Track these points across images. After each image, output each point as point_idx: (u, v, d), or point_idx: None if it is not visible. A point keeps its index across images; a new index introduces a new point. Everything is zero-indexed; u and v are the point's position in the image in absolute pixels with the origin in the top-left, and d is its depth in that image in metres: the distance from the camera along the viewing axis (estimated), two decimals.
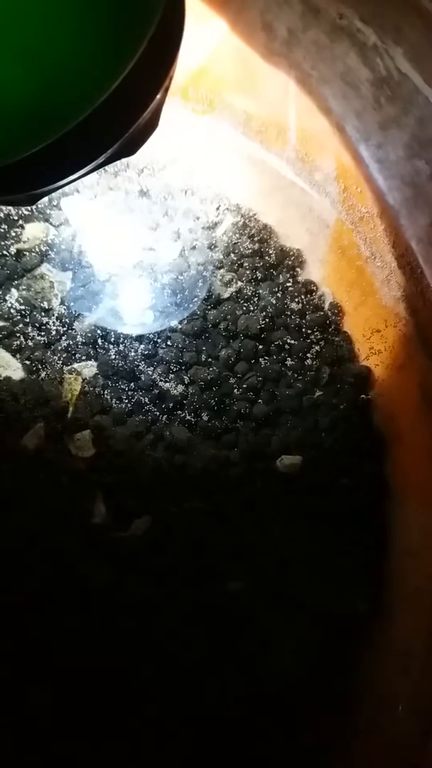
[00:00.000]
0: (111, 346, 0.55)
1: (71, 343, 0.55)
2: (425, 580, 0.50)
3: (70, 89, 0.22)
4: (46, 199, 0.58)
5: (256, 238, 0.59)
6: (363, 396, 0.56)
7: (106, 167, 0.29)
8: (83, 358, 0.55)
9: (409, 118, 0.44)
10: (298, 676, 0.50)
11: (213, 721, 0.49)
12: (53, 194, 0.46)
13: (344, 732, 0.49)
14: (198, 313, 0.57)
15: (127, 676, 0.49)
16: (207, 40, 0.53)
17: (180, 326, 0.56)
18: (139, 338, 0.55)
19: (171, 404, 0.55)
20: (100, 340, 0.55)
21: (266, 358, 0.57)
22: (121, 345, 0.55)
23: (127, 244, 0.58)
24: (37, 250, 0.57)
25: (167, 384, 0.55)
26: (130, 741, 0.48)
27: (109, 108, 0.23)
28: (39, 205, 0.58)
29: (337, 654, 0.50)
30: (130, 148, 0.29)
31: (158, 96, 0.27)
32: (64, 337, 0.55)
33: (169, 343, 0.56)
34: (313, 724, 0.50)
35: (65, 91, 0.21)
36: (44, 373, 0.55)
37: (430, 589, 0.50)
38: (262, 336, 0.57)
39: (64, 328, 0.55)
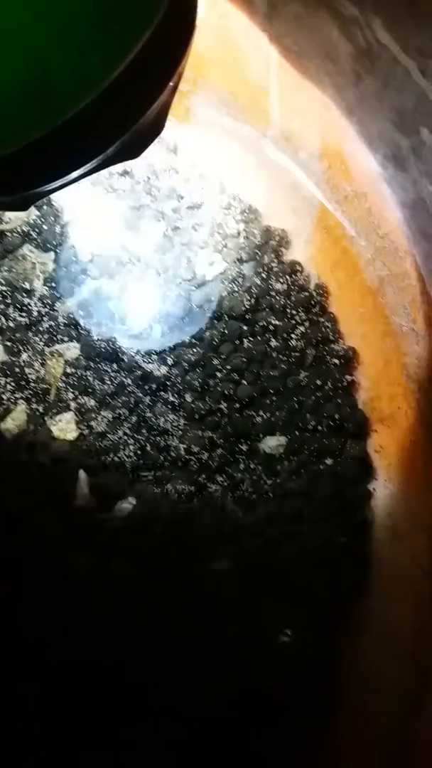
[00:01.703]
0: (90, 325, 0.55)
1: (53, 324, 0.55)
2: (410, 561, 0.50)
3: (66, 75, 0.20)
4: None
5: (240, 218, 0.58)
6: (348, 377, 0.55)
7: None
8: (65, 339, 0.55)
9: (388, 90, 0.43)
10: (286, 657, 0.49)
11: (200, 703, 0.48)
12: None
13: (331, 713, 0.49)
14: (182, 294, 0.56)
15: (110, 660, 0.49)
16: None
17: (163, 306, 0.56)
18: (122, 319, 0.55)
19: (154, 385, 0.54)
20: (82, 321, 0.55)
21: (250, 339, 0.56)
22: (103, 326, 0.55)
23: (110, 224, 0.57)
24: (19, 230, 0.56)
25: (150, 365, 0.55)
26: (114, 728, 0.48)
27: (108, 102, 0.22)
28: None
29: (323, 635, 0.50)
30: (132, 150, 0.27)
31: (164, 96, 0.26)
32: (45, 318, 0.55)
33: (151, 323, 0.55)
34: (301, 705, 0.50)
35: (61, 78, 0.20)
36: (26, 354, 0.54)
37: (416, 571, 0.50)
38: (247, 317, 0.56)
39: (46, 309, 0.55)
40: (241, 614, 0.50)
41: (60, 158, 0.24)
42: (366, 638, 0.52)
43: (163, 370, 0.55)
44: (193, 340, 0.56)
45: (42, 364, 0.54)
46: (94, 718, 0.48)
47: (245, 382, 0.56)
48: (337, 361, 0.55)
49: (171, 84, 0.26)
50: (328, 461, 0.54)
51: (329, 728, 0.50)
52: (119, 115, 0.24)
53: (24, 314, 0.55)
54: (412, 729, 0.47)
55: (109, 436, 0.53)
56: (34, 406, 0.53)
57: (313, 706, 0.49)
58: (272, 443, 0.54)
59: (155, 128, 0.28)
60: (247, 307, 0.56)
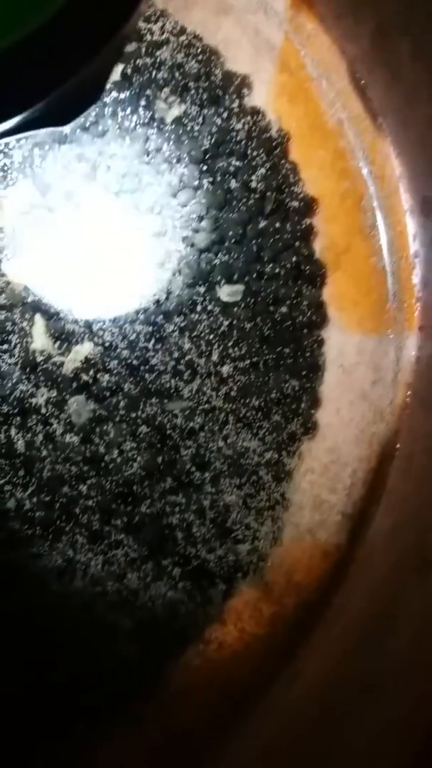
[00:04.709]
0: (47, 164, 0.53)
1: (7, 163, 0.53)
2: (358, 396, 0.52)
3: None
4: None
5: (201, 59, 0.57)
6: (306, 220, 0.55)
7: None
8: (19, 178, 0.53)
9: None
10: (234, 484, 0.52)
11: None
12: None
13: (276, 534, 0.52)
14: (140, 133, 0.55)
15: (68, 486, 0.50)
16: None
17: (120, 149, 0.55)
18: (79, 157, 0.54)
19: None
20: (38, 159, 0.53)
21: (210, 183, 0.55)
22: (59, 163, 0.53)
23: None
24: None
25: None
26: (67, 545, 0.50)
27: (29, 55, 0.19)
28: None
29: (273, 467, 0.52)
30: (61, 114, 0.24)
31: (103, 55, 0.22)
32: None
33: (108, 164, 0.54)
34: (247, 528, 0.52)
35: None
36: None
37: (362, 403, 0.52)
38: (207, 159, 0.55)
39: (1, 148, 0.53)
40: (192, 445, 0.52)
41: None
42: (312, 465, 0.53)
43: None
44: (151, 184, 0.55)
45: None
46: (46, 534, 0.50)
47: (205, 230, 0.55)
48: (296, 204, 0.55)
49: (112, 43, 0.22)
50: (284, 309, 0.55)
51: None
52: (43, 72, 0.21)
53: None
54: (352, 548, 0.51)
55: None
56: None
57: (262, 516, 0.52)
58: (230, 290, 0.55)
59: (92, 92, 0.25)
60: (207, 149, 0.55)
